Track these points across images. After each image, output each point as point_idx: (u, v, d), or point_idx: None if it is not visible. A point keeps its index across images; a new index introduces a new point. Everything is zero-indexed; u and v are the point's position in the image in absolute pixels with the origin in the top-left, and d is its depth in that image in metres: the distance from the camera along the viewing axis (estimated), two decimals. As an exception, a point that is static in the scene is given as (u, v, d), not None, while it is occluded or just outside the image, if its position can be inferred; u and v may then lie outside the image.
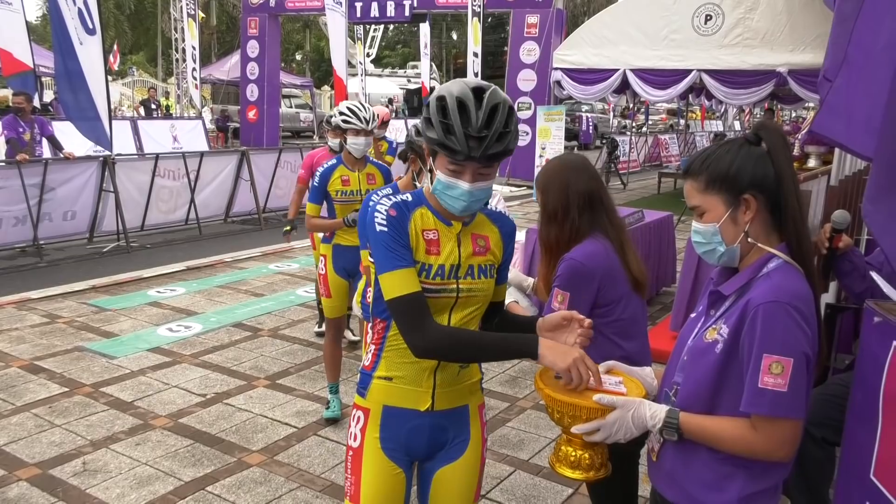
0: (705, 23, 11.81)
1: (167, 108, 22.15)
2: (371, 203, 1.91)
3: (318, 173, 4.22)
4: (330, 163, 4.26)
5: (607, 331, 2.30)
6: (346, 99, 13.14)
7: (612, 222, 2.39)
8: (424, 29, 22.59)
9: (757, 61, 11.35)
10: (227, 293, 7.10)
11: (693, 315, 1.82)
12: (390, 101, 32.70)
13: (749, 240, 1.63)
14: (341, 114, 4.13)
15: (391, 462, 1.94)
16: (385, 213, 1.83)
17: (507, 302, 2.14)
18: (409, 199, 1.90)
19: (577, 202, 2.35)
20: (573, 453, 1.69)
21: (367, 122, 4.09)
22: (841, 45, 2.76)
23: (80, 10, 8.04)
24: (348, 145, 4.16)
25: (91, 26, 8.17)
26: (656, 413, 1.63)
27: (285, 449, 4.00)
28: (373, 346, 1.96)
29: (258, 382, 4.92)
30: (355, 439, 1.97)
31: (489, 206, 2.06)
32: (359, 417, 1.97)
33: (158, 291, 7.07)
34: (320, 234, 4.48)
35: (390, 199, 1.87)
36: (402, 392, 1.91)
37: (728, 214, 1.63)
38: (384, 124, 6.51)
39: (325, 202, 4.26)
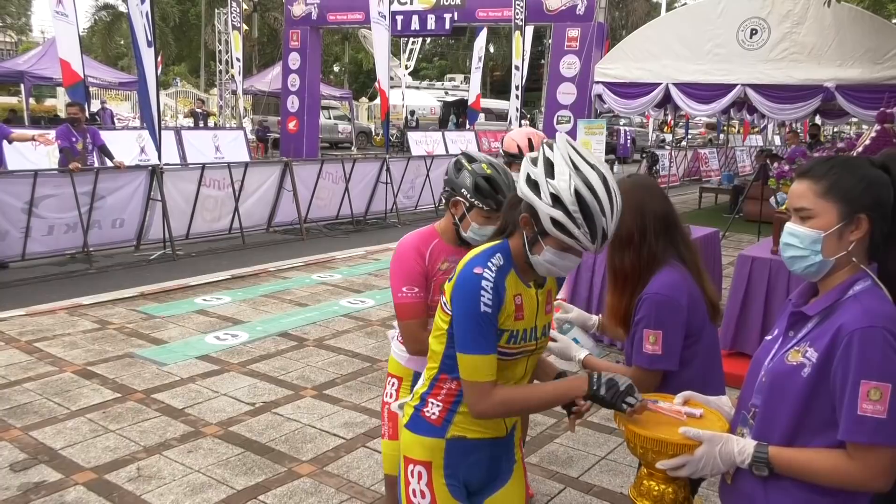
0: (750, 37, 11.70)
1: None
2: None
3: (486, 287, 1.80)
4: (495, 265, 1.84)
5: (692, 363, 2.18)
6: (389, 111, 13.21)
7: (687, 246, 2.26)
8: (480, 42, 22.63)
9: (803, 76, 11.19)
10: (272, 302, 7.17)
11: (769, 337, 1.79)
12: (412, 113, 32.81)
13: (853, 259, 1.60)
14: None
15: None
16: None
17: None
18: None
19: (653, 225, 2.20)
20: (656, 488, 1.68)
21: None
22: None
23: (144, 24, 8.26)
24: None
25: (149, 38, 8.37)
26: (745, 448, 1.61)
27: (334, 460, 4.02)
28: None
29: (305, 392, 4.96)
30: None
31: None
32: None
33: (205, 299, 7.17)
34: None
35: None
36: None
37: (838, 227, 1.59)
38: None
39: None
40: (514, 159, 3.52)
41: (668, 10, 29.22)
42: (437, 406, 1.93)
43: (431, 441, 1.92)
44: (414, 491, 1.94)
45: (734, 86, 11.80)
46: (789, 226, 1.66)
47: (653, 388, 2.11)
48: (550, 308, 1.99)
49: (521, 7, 15.38)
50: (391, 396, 2.60)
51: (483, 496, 2.01)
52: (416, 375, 2.31)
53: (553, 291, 2.02)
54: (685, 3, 34.02)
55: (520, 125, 17.41)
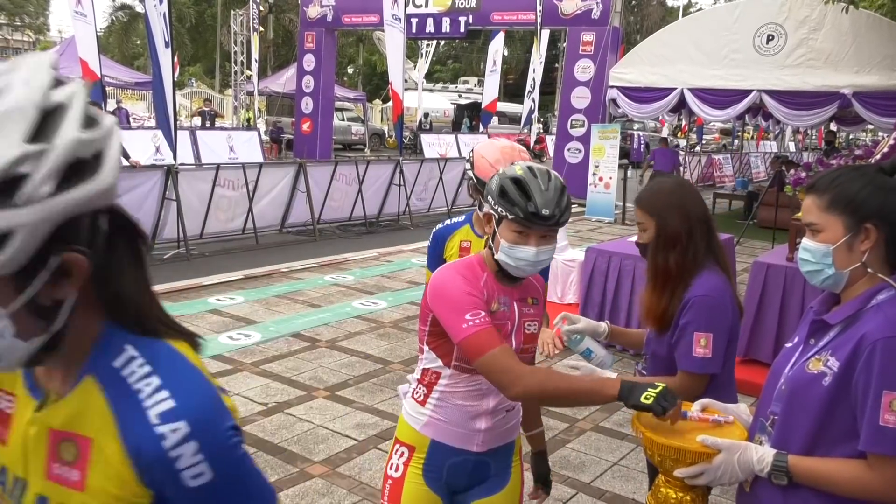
0: (767, 42, 11.65)
1: (248, 120, 23.00)
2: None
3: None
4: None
5: (724, 369, 2.16)
6: (402, 114, 13.23)
7: (721, 250, 2.25)
8: (496, 45, 22.63)
9: (820, 82, 11.14)
10: (285, 303, 7.20)
11: (789, 345, 1.78)
12: (426, 116, 32.76)
13: (869, 270, 1.59)
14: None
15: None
16: None
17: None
18: None
19: (698, 226, 2.17)
20: (674, 496, 1.67)
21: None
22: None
23: (161, 25, 8.33)
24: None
25: (167, 39, 8.44)
26: (764, 457, 1.60)
27: (346, 461, 4.02)
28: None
29: (318, 393, 4.97)
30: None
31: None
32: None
33: (218, 299, 7.21)
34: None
35: None
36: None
37: (845, 239, 1.58)
38: None
39: None
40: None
41: (683, 15, 29.15)
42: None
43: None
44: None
45: (750, 91, 11.75)
46: (804, 240, 1.68)
47: (700, 394, 2.05)
48: (63, 472, 0.95)
49: (539, 11, 15.40)
50: (397, 470, 2.02)
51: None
52: (435, 445, 1.98)
53: (95, 459, 0.93)
54: (701, 9, 33.92)
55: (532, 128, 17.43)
